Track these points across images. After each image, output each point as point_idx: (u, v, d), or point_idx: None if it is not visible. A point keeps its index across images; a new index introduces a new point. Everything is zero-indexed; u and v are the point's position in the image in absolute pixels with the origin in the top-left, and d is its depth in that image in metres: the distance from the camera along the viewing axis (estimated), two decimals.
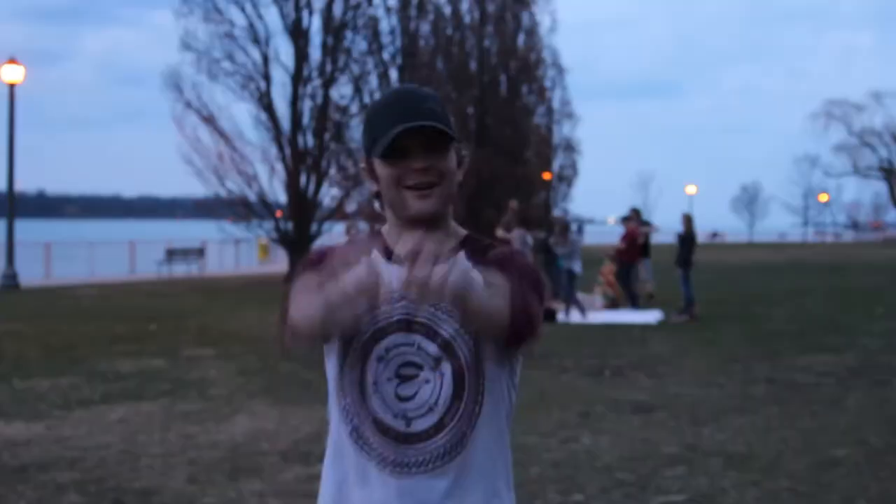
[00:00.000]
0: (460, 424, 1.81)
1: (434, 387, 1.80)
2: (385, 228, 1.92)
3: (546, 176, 43.39)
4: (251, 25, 27.74)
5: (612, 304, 17.08)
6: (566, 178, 47.33)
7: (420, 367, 1.81)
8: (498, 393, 1.85)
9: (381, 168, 1.81)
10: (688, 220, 16.04)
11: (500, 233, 16.26)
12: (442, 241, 1.72)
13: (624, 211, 18.67)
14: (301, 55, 28.06)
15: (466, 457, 1.82)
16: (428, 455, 1.81)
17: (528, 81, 41.05)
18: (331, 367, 1.91)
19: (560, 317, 15.23)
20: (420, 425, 1.81)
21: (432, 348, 1.80)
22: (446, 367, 1.80)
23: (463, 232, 1.93)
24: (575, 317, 15.13)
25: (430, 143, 1.79)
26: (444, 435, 1.81)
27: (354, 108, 29.66)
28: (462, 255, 1.62)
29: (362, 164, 1.89)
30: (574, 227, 20.49)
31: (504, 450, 1.90)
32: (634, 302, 16.81)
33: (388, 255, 1.81)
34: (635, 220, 18.06)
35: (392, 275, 1.77)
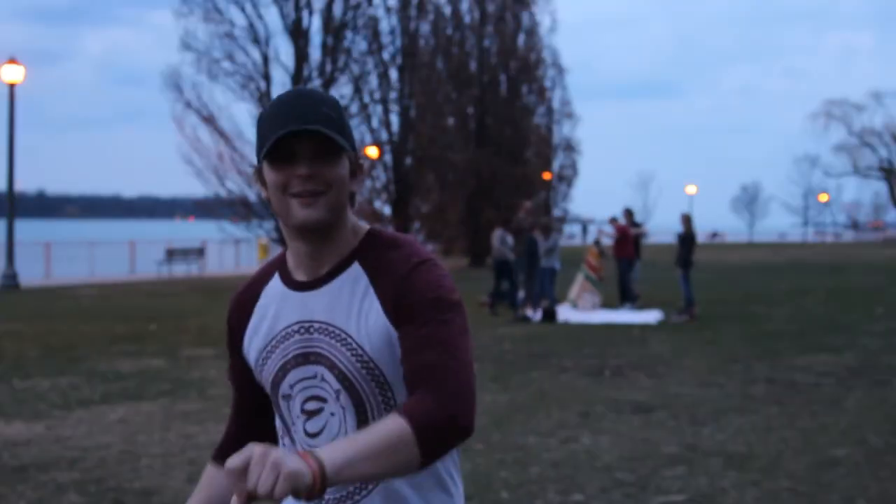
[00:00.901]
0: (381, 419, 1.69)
1: (339, 419, 1.73)
2: (288, 250, 1.82)
3: (546, 176, 43.39)
4: (251, 25, 27.77)
5: (594, 288, 17.06)
6: (566, 178, 47.31)
7: (324, 400, 1.74)
8: None
9: (267, 173, 1.71)
10: (687, 220, 16.04)
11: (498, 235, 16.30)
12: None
13: (621, 210, 18.67)
14: (301, 55, 28.07)
15: (375, 494, 1.72)
16: (339, 493, 1.72)
17: (528, 81, 41.04)
18: None
19: (528, 313, 15.26)
20: (334, 491, 1.72)
21: (332, 380, 1.72)
22: (346, 400, 1.72)
23: (363, 230, 1.79)
24: (536, 315, 15.13)
25: (319, 150, 1.68)
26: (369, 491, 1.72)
27: (354, 108, 29.68)
28: (278, 457, 1.40)
29: (252, 169, 1.81)
30: (579, 227, 20.49)
31: (429, 475, 1.75)
32: (627, 298, 16.79)
33: (285, 279, 1.80)
34: (628, 220, 18.09)
35: (292, 303, 1.77)
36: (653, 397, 8.29)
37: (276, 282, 1.82)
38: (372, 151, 30.35)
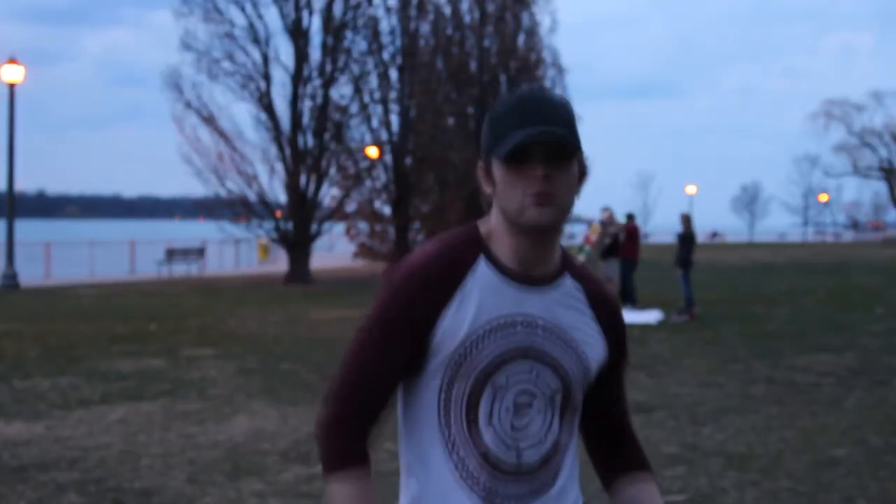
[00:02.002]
0: (558, 458, 1.80)
1: (545, 418, 1.76)
2: (485, 231, 1.77)
3: None
4: (251, 25, 27.76)
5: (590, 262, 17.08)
6: None
7: (533, 396, 1.74)
8: (576, 426, 1.89)
9: (499, 171, 1.70)
10: (686, 219, 16.03)
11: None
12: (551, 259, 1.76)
13: (623, 210, 18.68)
14: (301, 55, 28.07)
15: (553, 490, 1.81)
16: (534, 486, 1.77)
17: (528, 81, 41.02)
18: (422, 397, 1.76)
19: None
20: (530, 457, 1.75)
21: (553, 380, 1.75)
22: (559, 402, 1.77)
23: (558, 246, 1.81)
24: None
25: (555, 153, 1.67)
26: (547, 468, 1.78)
27: (354, 108, 29.68)
28: None
29: (480, 165, 1.76)
30: (581, 227, 20.46)
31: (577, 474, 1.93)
32: (628, 300, 16.79)
33: (499, 266, 1.74)
34: (609, 220, 18.11)
35: (505, 294, 1.72)
36: (653, 397, 8.29)
37: (484, 268, 1.73)
38: (372, 151, 30.34)
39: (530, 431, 1.74)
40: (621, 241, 17.42)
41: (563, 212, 1.70)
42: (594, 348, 1.79)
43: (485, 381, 1.71)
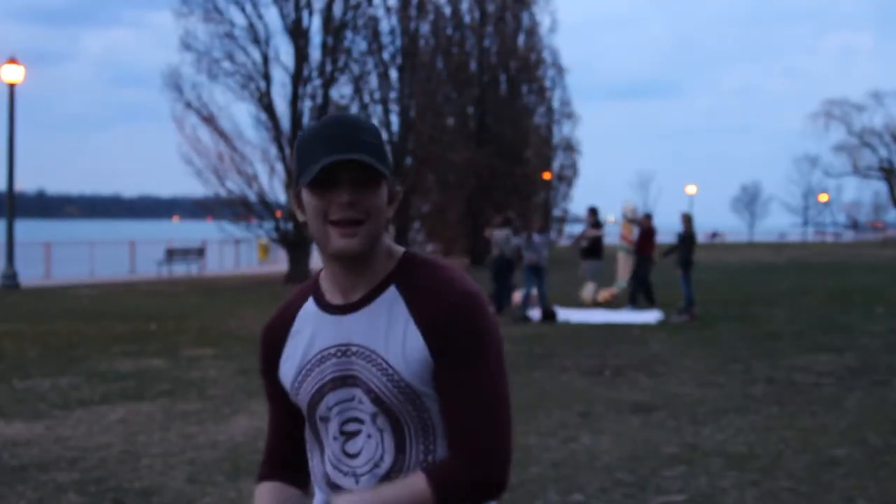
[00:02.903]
0: (402, 478, 1.73)
1: (377, 441, 1.75)
2: (323, 272, 1.84)
3: (546, 176, 43.41)
4: (251, 25, 27.75)
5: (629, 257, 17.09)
6: (566, 178, 47.36)
7: (362, 422, 1.76)
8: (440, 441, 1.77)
9: (307, 198, 1.70)
10: (687, 219, 16.03)
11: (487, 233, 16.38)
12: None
13: (621, 210, 18.73)
14: (301, 55, 28.06)
15: None
16: None
17: (528, 81, 41.08)
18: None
19: (529, 313, 15.25)
20: (368, 482, 1.75)
21: (368, 404, 1.74)
22: (383, 422, 1.74)
23: (399, 253, 1.79)
24: (536, 315, 15.11)
25: (360, 178, 1.67)
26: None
27: (354, 108, 29.67)
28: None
29: (291, 193, 1.79)
30: (585, 226, 20.48)
31: None
32: (647, 298, 16.71)
33: (321, 303, 1.80)
34: (592, 220, 18.20)
35: (326, 327, 1.78)
36: (653, 397, 8.30)
37: (310, 305, 1.82)
38: None
39: (363, 457, 1.76)
40: (635, 238, 17.49)
41: (370, 238, 1.70)
42: (410, 360, 1.70)
43: (312, 414, 1.81)
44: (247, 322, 14.86)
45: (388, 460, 1.75)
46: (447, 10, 35.90)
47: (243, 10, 27.69)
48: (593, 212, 18.56)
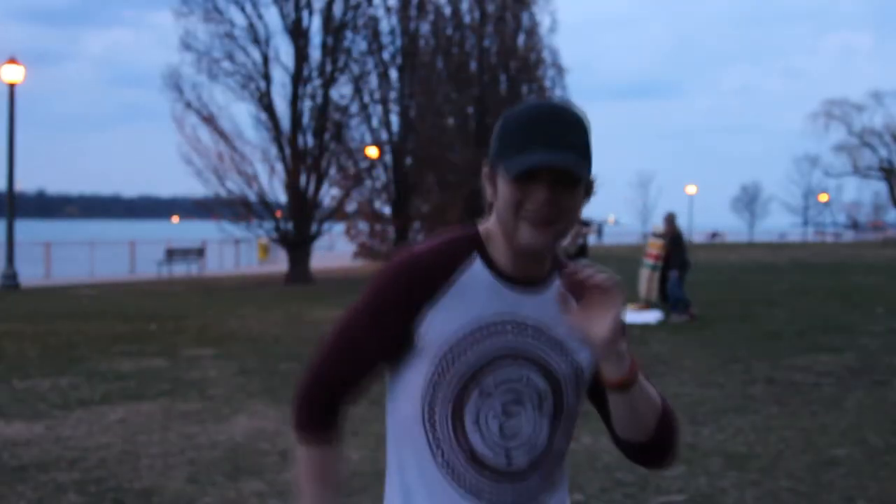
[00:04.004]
0: (549, 463, 1.78)
1: (535, 424, 1.74)
2: (484, 231, 1.76)
3: None
4: (251, 25, 27.77)
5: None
6: None
7: (522, 399, 1.73)
8: (572, 433, 1.85)
9: (503, 186, 1.66)
10: (671, 219, 15.99)
11: None
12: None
13: (622, 210, 18.70)
14: (301, 55, 28.08)
15: (553, 494, 1.81)
16: (524, 494, 1.75)
17: (528, 81, 41.03)
18: (408, 394, 1.75)
19: None
20: (519, 460, 1.73)
21: (541, 384, 1.73)
22: (548, 406, 1.74)
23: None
24: None
25: (563, 178, 1.62)
26: (539, 474, 1.77)
27: (354, 108, 29.70)
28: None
29: (485, 168, 1.72)
30: (595, 227, 20.53)
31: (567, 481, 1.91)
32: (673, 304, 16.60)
33: (493, 264, 1.72)
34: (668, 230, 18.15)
35: (497, 295, 1.71)
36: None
37: (479, 267, 1.72)
38: (372, 151, 30.34)
39: (520, 434, 1.73)
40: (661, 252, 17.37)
41: (558, 235, 1.67)
42: (583, 349, 1.74)
43: (472, 382, 1.70)
44: (247, 322, 14.86)
45: (540, 443, 1.75)
46: (447, 10, 35.87)
47: (243, 10, 27.72)
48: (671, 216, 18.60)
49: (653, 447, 1.76)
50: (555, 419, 1.76)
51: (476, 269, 1.71)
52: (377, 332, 1.71)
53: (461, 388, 1.70)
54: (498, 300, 1.71)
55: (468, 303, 1.69)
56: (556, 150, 1.60)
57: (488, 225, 1.75)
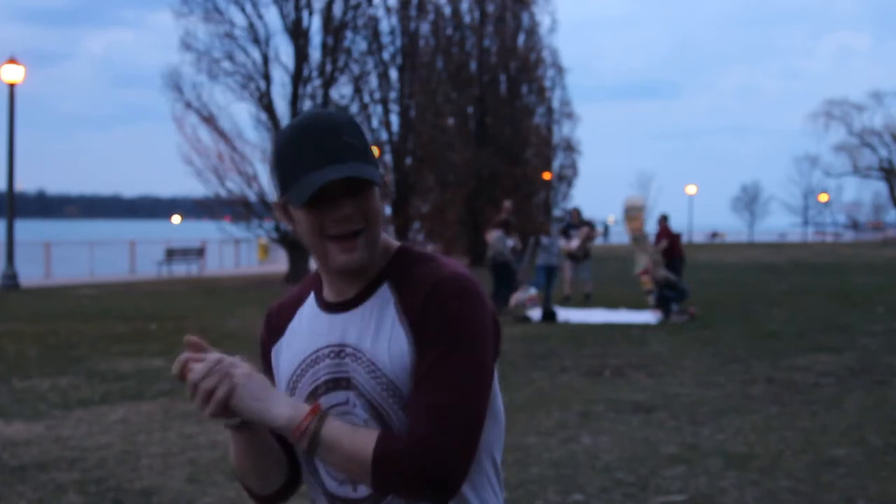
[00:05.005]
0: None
1: None
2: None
3: (546, 176, 43.38)
4: (251, 25, 27.76)
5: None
6: (566, 178, 47.32)
7: (355, 425, 1.64)
8: None
9: (298, 215, 1.61)
10: (663, 220, 16.14)
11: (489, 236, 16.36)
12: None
13: (621, 210, 18.79)
14: (301, 55, 28.07)
15: None
16: None
17: (528, 81, 41.06)
18: None
19: (529, 313, 15.28)
20: (363, 490, 1.65)
21: (361, 409, 1.64)
22: (375, 427, 1.62)
23: (393, 248, 1.72)
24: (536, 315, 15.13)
25: (352, 187, 1.58)
26: (386, 500, 1.64)
27: (354, 108, 29.67)
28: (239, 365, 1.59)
29: (276, 203, 1.68)
30: (600, 228, 20.74)
31: (481, 484, 1.70)
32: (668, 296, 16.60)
33: (319, 299, 1.75)
34: (576, 220, 18.26)
35: (321, 326, 1.71)
36: (653, 397, 8.29)
37: (310, 302, 1.77)
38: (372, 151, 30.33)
39: None
40: (662, 247, 17.42)
41: (371, 246, 1.63)
42: (393, 358, 1.61)
43: None
44: (247, 322, 14.85)
45: None
46: (447, 10, 35.87)
47: (243, 10, 27.70)
48: (578, 212, 18.83)
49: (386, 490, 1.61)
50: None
51: (308, 304, 1.77)
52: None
53: None
54: (318, 330, 1.72)
55: (299, 339, 1.75)
56: (335, 161, 1.57)
57: None
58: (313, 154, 1.58)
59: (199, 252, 32.86)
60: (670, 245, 17.63)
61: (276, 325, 1.81)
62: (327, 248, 1.62)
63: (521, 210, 30.35)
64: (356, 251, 1.61)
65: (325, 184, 1.55)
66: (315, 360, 1.70)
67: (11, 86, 23.31)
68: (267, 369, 1.82)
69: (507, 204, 17.67)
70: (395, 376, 1.61)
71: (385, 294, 1.67)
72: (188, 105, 27.37)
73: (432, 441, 1.54)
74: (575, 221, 18.90)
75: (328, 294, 1.73)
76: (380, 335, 1.64)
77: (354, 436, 1.57)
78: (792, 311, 16.04)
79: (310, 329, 1.74)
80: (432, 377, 1.57)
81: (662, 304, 15.32)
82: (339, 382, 1.67)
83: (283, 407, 1.58)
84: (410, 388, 1.59)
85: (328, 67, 28.39)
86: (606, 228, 75.74)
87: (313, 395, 1.69)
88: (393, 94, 31.83)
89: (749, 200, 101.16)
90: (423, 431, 1.55)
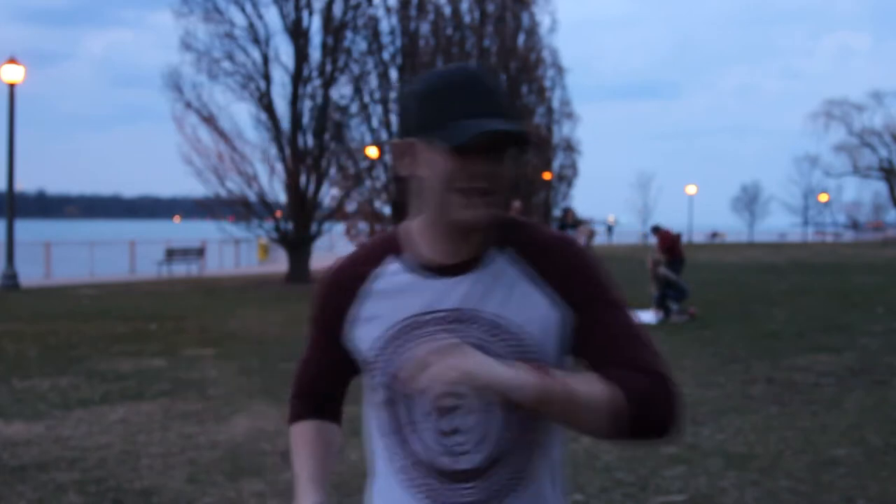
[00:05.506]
0: (518, 458, 1.63)
1: (481, 417, 1.61)
2: (405, 228, 1.70)
3: (546, 176, 43.39)
4: (251, 25, 27.76)
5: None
6: (566, 178, 47.36)
7: (461, 395, 1.59)
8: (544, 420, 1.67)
9: (432, 158, 1.55)
10: (656, 230, 16.25)
11: None
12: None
13: (623, 211, 18.83)
14: (301, 55, 28.07)
15: (523, 493, 1.64)
16: (482, 494, 1.62)
17: (528, 81, 41.06)
18: (366, 402, 1.74)
19: None
20: (471, 461, 1.62)
21: None
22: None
23: (506, 216, 1.67)
24: None
25: (499, 145, 1.54)
26: (497, 469, 1.62)
27: (354, 108, 29.68)
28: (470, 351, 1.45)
29: (396, 142, 1.62)
30: (600, 228, 20.76)
31: (559, 477, 1.73)
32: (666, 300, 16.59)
33: (412, 260, 1.65)
34: (570, 220, 18.32)
35: (417, 292, 1.63)
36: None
37: (394, 264, 1.66)
38: (372, 151, 30.34)
39: (464, 433, 1.61)
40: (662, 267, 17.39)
41: (497, 207, 1.57)
42: (536, 324, 1.59)
43: (399, 383, 1.62)
44: (247, 322, 14.86)
45: (495, 436, 1.62)
46: (447, 10, 35.89)
47: (243, 10, 27.71)
48: (571, 211, 18.88)
49: (628, 435, 1.59)
50: (505, 409, 1.59)
51: (391, 268, 1.66)
52: (321, 349, 1.79)
53: (390, 394, 1.65)
54: (420, 296, 1.62)
55: (385, 306, 1.64)
56: (494, 115, 1.53)
57: (408, 221, 1.70)
58: (473, 101, 1.53)
59: (199, 252, 32.86)
60: (671, 246, 17.64)
61: (346, 288, 1.69)
62: (450, 199, 1.55)
63: (521, 210, 30.29)
64: (482, 209, 1.55)
65: (490, 130, 1.49)
66: (415, 325, 1.62)
67: (11, 86, 23.31)
68: (325, 335, 1.74)
69: (517, 204, 17.67)
70: (543, 341, 1.59)
71: (507, 259, 1.62)
72: (188, 105, 27.38)
73: (670, 376, 1.57)
74: (569, 221, 18.91)
75: (430, 255, 1.64)
76: (509, 298, 1.60)
77: (584, 385, 1.50)
78: (792, 311, 16.04)
79: (403, 292, 1.64)
80: (628, 333, 1.59)
81: (662, 304, 15.32)
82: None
83: (505, 369, 1.46)
84: (593, 345, 1.59)
85: (328, 67, 28.39)
86: (609, 228, 75.84)
87: None
88: (393, 94, 31.83)
89: (749, 200, 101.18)
90: (658, 368, 1.56)
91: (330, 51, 28.28)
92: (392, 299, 1.64)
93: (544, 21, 58.07)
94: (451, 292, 1.61)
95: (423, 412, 1.63)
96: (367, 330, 1.66)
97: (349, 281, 1.69)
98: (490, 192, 1.55)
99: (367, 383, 1.72)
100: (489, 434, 1.62)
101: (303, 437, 1.83)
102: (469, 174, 1.53)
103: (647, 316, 15.24)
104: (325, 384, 1.83)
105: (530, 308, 1.59)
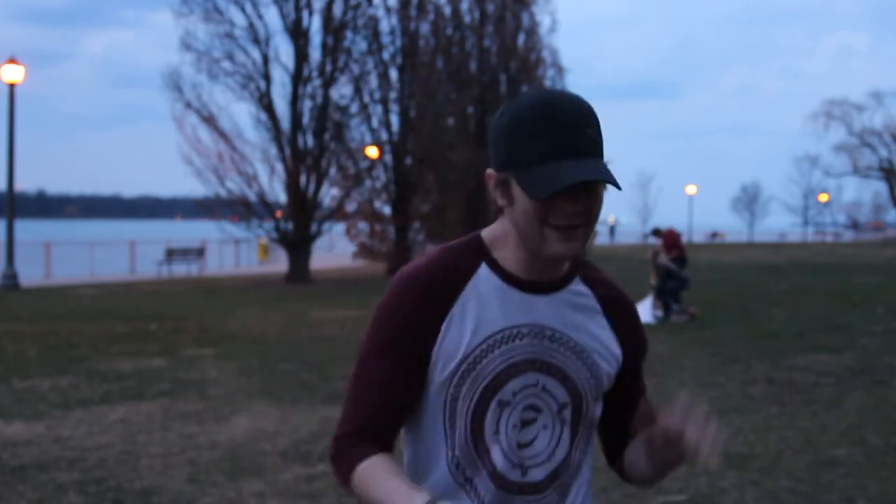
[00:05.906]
0: (568, 475, 1.71)
1: (553, 434, 1.66)
2: (490, 237, 1.68)
3: None
4: (251, 25, 27.78)
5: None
6: None
7: (539, 411, 1.65)
8: (592, 440, 1.80)
9: (524, 197, 1.54)
10: (656, 232, 16.37)
11: None
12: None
13: (623, 211, 18.78)
14: (301, 55, 28.08)
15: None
16: None
17: (528, 81, 41.02)
18: (427, 412, 1.66)
19: None
20: (536, 475, 1.66)
21: (560, 393, 1.66)
22: (567, 414, 1.67)
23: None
24: None
25: (591, 184, 1.53)
26: (556, 486, 1.69)
27: (354, 108, 29.71)
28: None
29: (492, 174, 1.60)
30: (606, 228, 20.51)
31: (590, 495, 1.81)
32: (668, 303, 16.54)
33: (500, 272, 1.65)
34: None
35: (509, 303, 1.63)
36: (653, 397, 8.26)
37: (486, 273, 1.64)
38: (372, 151, 30.34)
39: (536, 447, 1.66)
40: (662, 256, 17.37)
41: (587, 240, 1.59)
42: (606, 356, 1.70)
43: (490, 396, 1.62)
44: (247, 322, 14.86)
45: (559, 456, 1.67)
46: (447, 10, 35.88)
47: (243, 10, 27.73)
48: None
49: (651, 482, 1.84)
50: (574, 428, 1.69)
51: (484, 278, 1.64)
52: (395, 364, 1.62)
53: (479, 404, 1.62)
54: (511, 308, 1.63)
55: (478, 314, 1.61)
56: (583, 156, 1.52)
57: (495, 230, 1.68)
58: (561, 140, 1.52)
59: (199, 252, 32.87)
60: (676, 244, 17.64)
61: (441, 294, 1.62)
62: (544, 234, 1.56)
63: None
64: (575, 242, 1.56)
65: (578, 181, 1.49)
66: (509, 337, 1.62)
67: (11, 86, 23.31)
68: (404, 350, 1.62)
69: None
70: (603, 373, 1.71)
71: (580, 290, 1.70)
72: (188, 105, 27.41)
73: None
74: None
75: (520, 271, 1.64)
76: (586, 328, 1.69)
77: None
78: (792, 311, 16.03)
79: (498, 304, 1.63)
80: (642, 386, 1.90)
81: (662, 295, 15.36)
82: (534, 364, 1.64)
83: None
84: (623, 391, 1.82)
85: (328, 67, 28.41)
86: (612, 229, 75.82)
87: (507, 374, 1.62)
88: (393, 94, 31.84)
89: (749, 200, 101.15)
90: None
91: (330, 51, 28.29)
92: (487, 305, 1.63)
93: (544, 21, 58.16)
94: (541, 308, 1.65)
95: (512, 422, 1.64)
96: (457, 336, 1.61)
97: (444, 285, 1.63)
98: (581, 225, 1.56)
99: (446, 391, 1.64)
100: (557, 451, 1.68)
101: (379, 466, 1.60)
102: (562, 213, 1.54)
103: (646, 314, 15.23)
104: (397, 410, 1.65)
105: (602, 341, 1.70)
